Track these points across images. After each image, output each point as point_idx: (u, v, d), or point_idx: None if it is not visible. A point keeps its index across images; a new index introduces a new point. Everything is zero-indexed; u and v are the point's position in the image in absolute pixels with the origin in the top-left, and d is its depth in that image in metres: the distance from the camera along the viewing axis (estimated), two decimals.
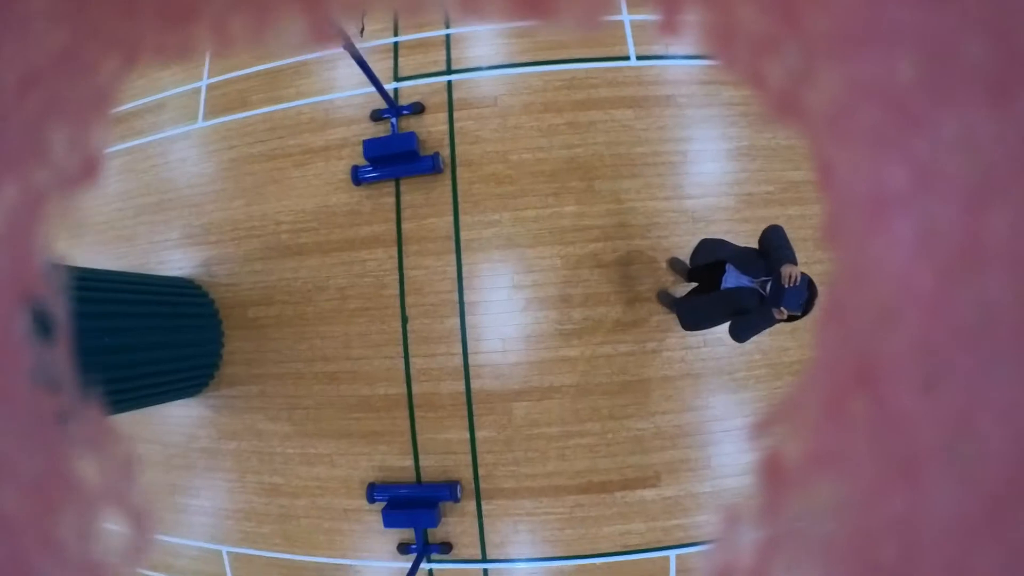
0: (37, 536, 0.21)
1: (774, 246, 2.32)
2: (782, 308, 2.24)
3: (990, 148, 0.16)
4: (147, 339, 3.18)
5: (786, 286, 2.20)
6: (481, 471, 3.56)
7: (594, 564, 3.58)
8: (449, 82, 3.63)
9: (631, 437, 3.48)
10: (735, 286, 2.55)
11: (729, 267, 2.59)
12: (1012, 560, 0.16)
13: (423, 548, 3.56)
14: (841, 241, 0.19)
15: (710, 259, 2.74)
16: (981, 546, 0.17)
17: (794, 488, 0.20)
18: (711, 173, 3.48)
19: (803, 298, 2.20)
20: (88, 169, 0.22)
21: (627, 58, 3.55)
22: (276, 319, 3.72)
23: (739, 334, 2.53)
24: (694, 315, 2.81)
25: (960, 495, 0.17)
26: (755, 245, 2.51)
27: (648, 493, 3.52)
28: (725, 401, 3.48)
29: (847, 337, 0.19)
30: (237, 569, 3.95)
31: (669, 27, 0.21)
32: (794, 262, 2.27)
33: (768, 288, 2.35)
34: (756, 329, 2.45)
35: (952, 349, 0.17)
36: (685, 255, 3.33)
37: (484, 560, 3.63)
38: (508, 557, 3.61)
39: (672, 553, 3.56)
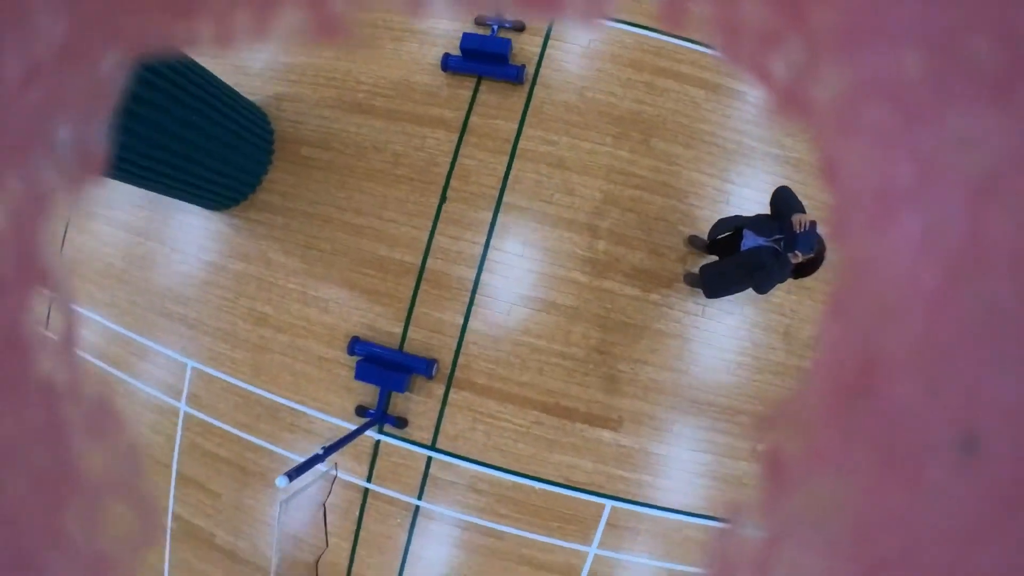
0: (43, 528, 0.21)
1: (784, 202, 2.59)
2: (797, 252, 2.48)
3: (995, 145, 0.16)
4: (203, 141, 3.36)
5: (798, 231, 2.45)
6: (461, 359, 3.69)
7: (532, 487, 3.65)
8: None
9: (608, 375, 3.62)
10: (754, 246, 2.79)
11: (746, 232, 2.83)
12: (1014, 561, 0.16)
13: (381, 415, 3.64)
14: (845, 237, 0.19)
15: (728, 229, 2.98)
16: (983, 546, 0.17)
17: (796, 486, 0.20)
18: (755, 169, 3.76)
19: (814, 240, 2.45)
20: (91, 163, 0.22)
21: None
22: (326, 164, 3.92)
23: (760, 286, 2.76)
24: (720, 280, 3.04)
25: (962, 495, 0.17)
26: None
27: (606, 435, 3.64)
28: (704, 373, 3.64)
29: (850, 334, 0.19)
30: (196, 385, 4.01)
31: (672, 17, 0.21)
32: (803, 212, 2.53)
33: (783, 243, 2.60)
34: (774, 279, 2.68)
35: (956, 347, 0.17)
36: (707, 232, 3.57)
37: (433, 447, 3.70)
38: (456, 452, 3.68)
39: (609, 503, 3.64)
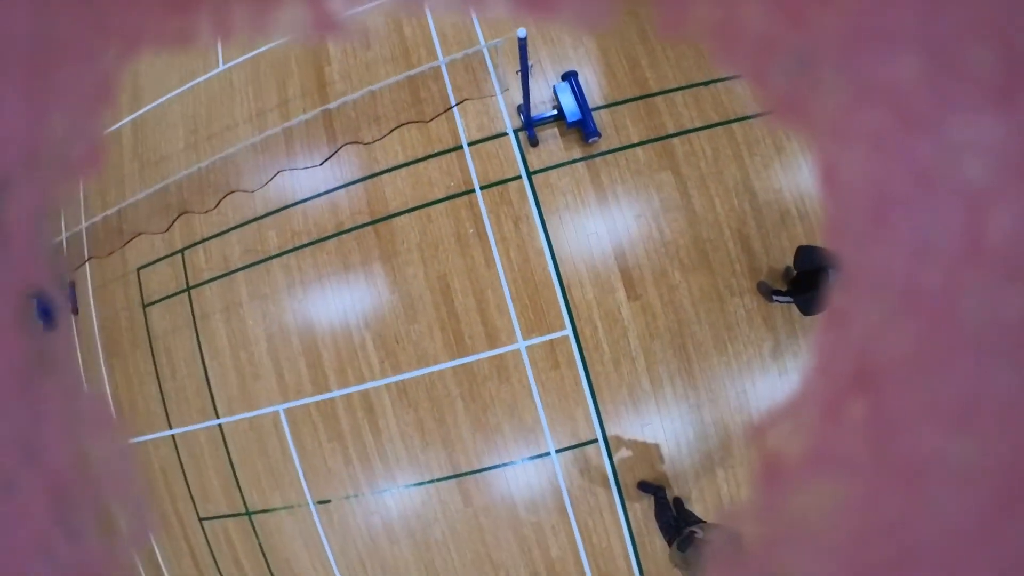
0: (35, 531, 0.21)
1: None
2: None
3: (992, 150, 0.16)
4: None
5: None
6: None
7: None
8: None
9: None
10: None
11: (831, 271, 3.14)
12: (1009, 561, 0.16)
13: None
14: (843, 242, 0.19)
15: (812, 266, 3.28)
16: (978, 547, 0.17)
17: (794, 489, 0.20)
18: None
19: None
20: (91, 156, 0.22)
21: None
22: None
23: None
24: (813, 308, 3.48)
25: (958, 497, 0.17)
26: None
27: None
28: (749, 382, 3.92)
29: (848, 338, 0.19)
30: None
31: (672, 24, 0.21)
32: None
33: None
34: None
35: (954, 352, 0.17)
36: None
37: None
38: None
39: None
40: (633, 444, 4.00)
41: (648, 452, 4.00)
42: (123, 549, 0.23)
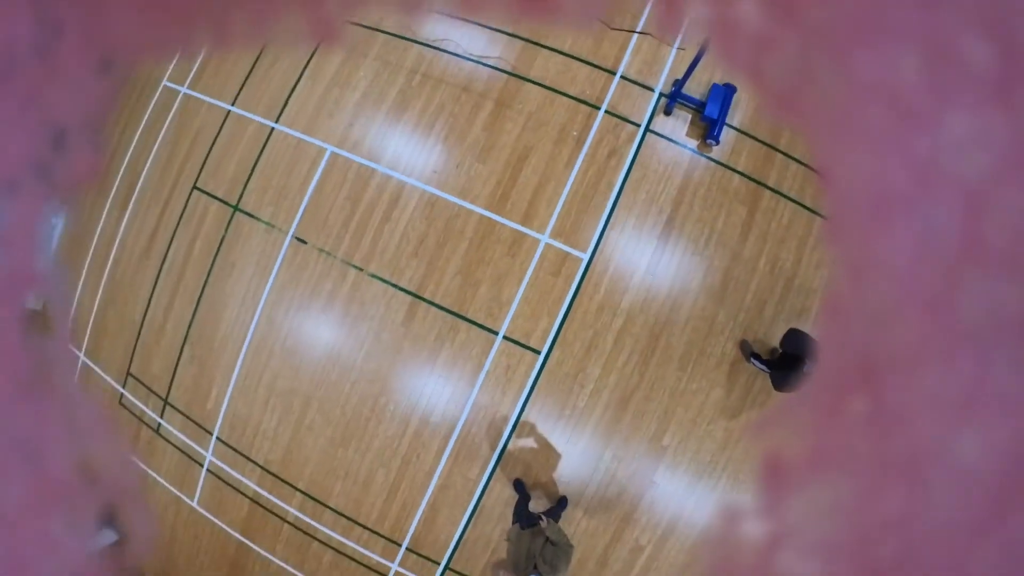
0: (34, 530, 0.21)
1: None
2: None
3: (993, 148, 0.16)
4: None
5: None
6: None
7: None
8: None
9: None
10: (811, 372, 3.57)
11: (808, 362, 3.52)
12: (1011, 561, 0.16)
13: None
14: (842, 240, 0.20)
15: (795, 351, 3.76)
16: (980, 547, 0.17)
17: (794, 487, 0.20)
18: None
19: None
20: (89, 169, 0.22)
21: None
22: None
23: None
24: (784, 384, 3.86)
25: (960, 496, 0.17)
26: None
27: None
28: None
29: (848, 337, 0.19)
30: None
31: (668, 20, 0.21)
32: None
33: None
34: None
35: (954, 351, 0.17)
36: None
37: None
38: None
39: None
40: (566, 373, 4.26)
41: (572, 392, 4.26)
42: (124, 555, 0.22)
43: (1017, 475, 0.16)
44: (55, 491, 0.21)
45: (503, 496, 4.42)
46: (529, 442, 4.36)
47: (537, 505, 4.19)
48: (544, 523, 3.37)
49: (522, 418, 4.32)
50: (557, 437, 4.34)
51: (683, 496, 4.30)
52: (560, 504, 4.26)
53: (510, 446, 4.37)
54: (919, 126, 0.17)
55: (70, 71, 0.21)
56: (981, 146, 0.16)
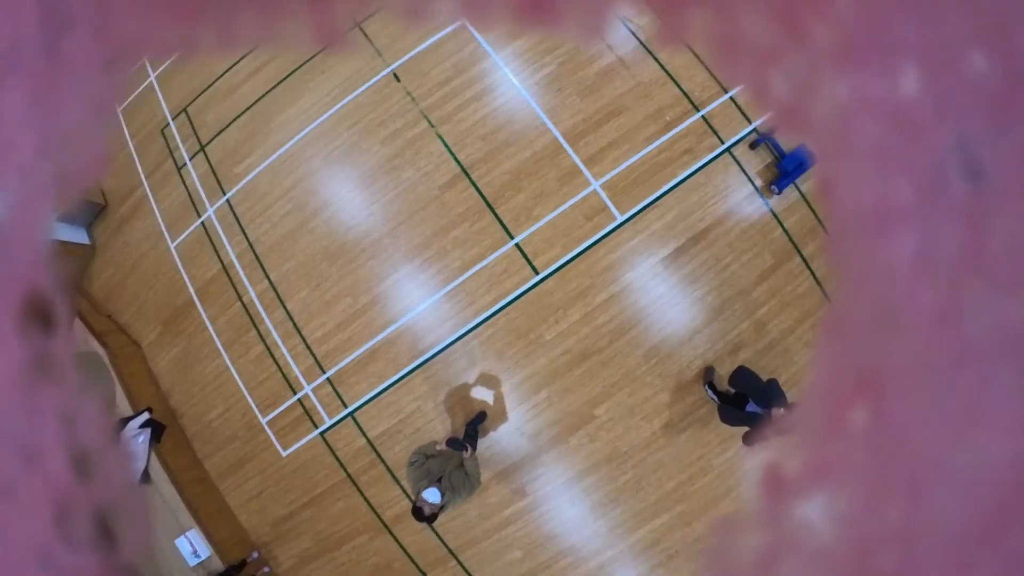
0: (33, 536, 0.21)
1: (774, 394, 3.57)
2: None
3: (991, 162, 0.16)
4: None
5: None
6: None
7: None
8: None
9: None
10: (752, 411, 3.70)
11: (751, 401, 3.74)
12: (1009, 571, 0.16)
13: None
14: (843, 253, 0.20)
15: (742, 390, 3.96)
16: (979, 559, 0.17)
17: (795, 498, 0.20)
18: None
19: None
20: (93, 164, 0.22)
21: None
22: None
23: (749, 443, 3.76)
24: (729, 418, 4.04)
25: (959, 506, 0.17)
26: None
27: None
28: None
29: (849, 348, 0.20)
30: None
31: (670, 35, 0.21)
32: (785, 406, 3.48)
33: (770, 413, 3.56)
34: (759, 438, 3.62)
35: (956, 361, 0.17)
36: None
37: None
38: None
39: None
40: (549, 304, 4.49)
41: (545, 322, 4.47)
42: (122, 558, 0.22)
43: (1016, 489, 0.16)
44: (54, 491, 0.21)
45: (434, 381, 4.60)
46: (484, 346, 4.55)
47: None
48: (467, 453, 3.51)
49: (491, 320, 4.54)
50: (511, 354, 4.54)
51: (577, 475, 4.45)
52: (478, 418, 4.43)
53: (465, 339, 4.57)
54: (920, 140, 0.17)
55: (77, 67, 0.21)
56: (980, 160, 0.16)
